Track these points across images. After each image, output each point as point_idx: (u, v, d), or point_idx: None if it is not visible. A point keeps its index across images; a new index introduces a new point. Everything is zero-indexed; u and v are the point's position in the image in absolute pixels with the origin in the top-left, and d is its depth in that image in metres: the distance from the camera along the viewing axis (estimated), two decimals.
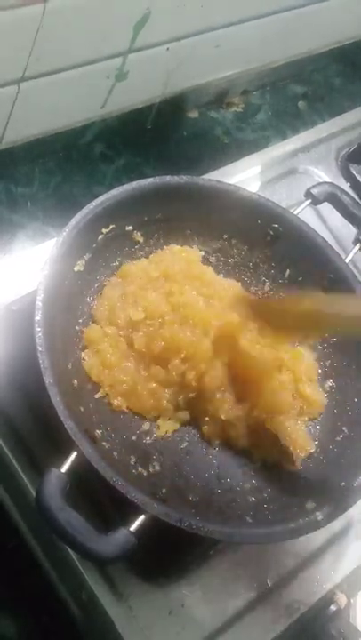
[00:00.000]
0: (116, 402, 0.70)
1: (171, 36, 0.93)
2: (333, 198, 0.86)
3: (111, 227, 0.74)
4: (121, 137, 1.02)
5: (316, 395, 0.75)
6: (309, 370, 0.76)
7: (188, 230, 0.80)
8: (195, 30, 0.95)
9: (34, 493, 0.57)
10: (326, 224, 0.94)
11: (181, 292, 0.73)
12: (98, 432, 0.67)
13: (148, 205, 0.76)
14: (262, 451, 0.72)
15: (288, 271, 0.81)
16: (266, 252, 0.81)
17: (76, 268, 0.72)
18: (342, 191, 0.87)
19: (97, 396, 0.70)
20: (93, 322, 0.73)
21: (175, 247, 0.79)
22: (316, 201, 0.85)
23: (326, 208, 0.88)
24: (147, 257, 0.78)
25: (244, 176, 0.95)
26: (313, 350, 0.78)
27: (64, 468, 0.57)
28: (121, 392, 0.70)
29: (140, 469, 0.67)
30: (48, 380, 0.60)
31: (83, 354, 0.71)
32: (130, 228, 0.76)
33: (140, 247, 0.78)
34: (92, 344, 0.71)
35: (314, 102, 1.22)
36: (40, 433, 0.69)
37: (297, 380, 0.74)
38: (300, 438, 0.72)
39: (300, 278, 0.80)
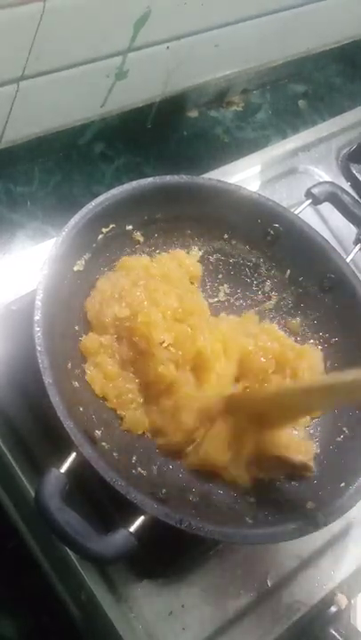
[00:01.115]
0: (122, 412, 0.69)
1: (171, 34, 0.93)
2: (334, 198, 0.86)
3: (111, 226, 0.74)
4: (121, 136, 1.02)
5: None
6: (312, 368, 0.75)
7: (189, 230, 0.80)
8: (195, 29, 0.95)
9: (33, 494, 0.57)
10: (327, 224, 0.94)
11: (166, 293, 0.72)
12: (97, 432, 0.66)
13: (148, 205, 0.76)
14: (270, 472, 0.70)
15: (289, 271, 0.81)
16: (266, 252, 0.81)
17: (75, 268, 0.71)
18: (343, 191, 0.87)
19: (101, 401, 0.69)
20: (87, 317, 0.72)
21: (180, 253, 0.79)
22: (316, 201, 0.85)
23: (327, 208, 0.88)
24: (149, 255, 0.78)
25: (245, 175, 0.95)
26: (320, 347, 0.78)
27: (63, 469, 0.57)
28: (128, 401, 0.69)
29: (139, 470, 0.67)
30: (47, 380, 0.60)
31: (85, 367, 0.70)
32: (130, 227, 0.76)
33: (141, 247, 0.78)
34: (91, 356, 0.70)
35: (314, 101, 1.22)
36: (39, 433, 0.68)
37: (298, 379, 0.73)
38: (302, 446, 0.71)
39: (301, 278, 0.80)
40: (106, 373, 0.69)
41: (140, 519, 0.57)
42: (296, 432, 0.73)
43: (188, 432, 0.68)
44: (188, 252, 0.80)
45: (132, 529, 0.57)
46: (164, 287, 0.73)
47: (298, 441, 0.72)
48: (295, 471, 0.70)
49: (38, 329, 0.62)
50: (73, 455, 0.58)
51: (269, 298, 0.81)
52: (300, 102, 1.21)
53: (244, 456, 0.68)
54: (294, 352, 0.75)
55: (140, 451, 0.69)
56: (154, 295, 0.72)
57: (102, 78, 0.92)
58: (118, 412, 0.69)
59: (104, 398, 0.69)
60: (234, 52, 1.06)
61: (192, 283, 0.79)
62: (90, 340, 0.71)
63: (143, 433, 0.70)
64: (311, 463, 0.71)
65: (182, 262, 0.78)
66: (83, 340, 0.71)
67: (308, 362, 0.75)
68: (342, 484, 0.66)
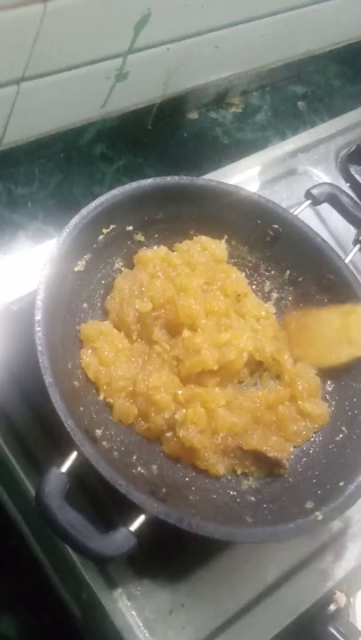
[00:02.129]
0: (112, 400, 0.69)
1: (171, 36, 0.93)
2: (333, 199, 0.87)
3: (112, 227, 0.74)
4: (121, 137, 1.02)
5: (318, 409, 0.74)
6: (310, 386, 0.75)
7: (190, 230, 0.80)
8: (195, 30, 0.95)
9: (34, 493, 0.57)
10: (326, 224, 0.94)
11: (189, 277, 0.73)
12: (98, 431, 0.66)
13: (149, 206, 0.76)
14: (244, 466, 0.71)
15: (288, 272, 0.81)
16: (266, 253, 0.81)
17: (76, 268, 0.72)
18: (342, 192, 0.87)
19: (99, 398, 0.69)
20: (106, 315, 0.73)
21: (204, 238, 0.79)
22: (315, 201, 0.85)
23: (326, 209, 0.88)
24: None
25: (244, 176, 0.95)
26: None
27: (64, 468, 0.57)
28: (118, 389, 0.69)
29: (140, 469, 0.67)
30: (48, 379, 0.60)
31: (81, 352, 0.70)
32: (130, 228, 0.76)
33: (142, 247, 0.78)
34: (89, 341, 0.71)
35: (314, 103, 1.22)
36: (40, 432, 0.69)
37: (297, 397, 0.73)
38: (277, 443, 0.71)
39: (300, 279, 0.80)
40: (101, 359, 0.70)
41: (141, 518, 0.57)
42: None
43: (166, 412, 0.68)
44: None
45: (133, 528, 0.57)
46: (189, 272, 0.74)
47: (274, 438, 0.71)
48: (270, 468, 0.71)
49: (39, 329, 0.62)
50: (74, 454, 0.58)
51: (269, 298, 0.82)
52: (300, 104, 1.21)
53: (219, 443, 0.69)
54: (288, 373, 0.75)
55: (141, 450, 0.69)
56: (178, 281, 0.73)
57: (103, 80, 0.92)
58: (107, 401, 0.69)
59: (96, 385, 0.69)
60: (234, 53, 1.06)
61: None
62: (90, 327, 0.71)
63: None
64: (285, 461, 0.70)
65: (207, 247, 0.78)
66: (83, 326, 0.71)
67: (304, 380, 0.75)
68: (342, 484, 0.66)
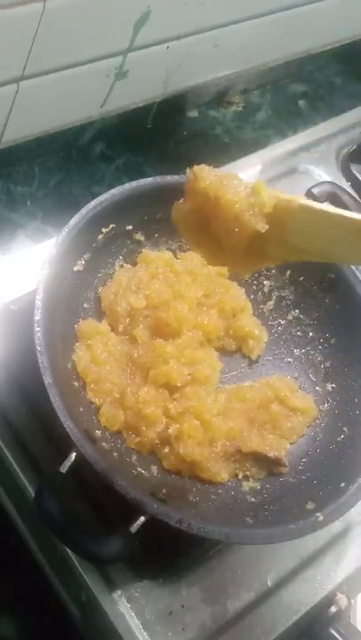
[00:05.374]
0: (97, 400, 0.68)
1: (171, 34, 0.93)
2: (334, 198, 0.87)
3: (111, 226, 0.74)
4: (121, 136, 1.02)
5: (307, 402, 0.74)
6: (288, 383, 0.75)
7: None
8: (195, 29, 0.95)
9: (33, 494, 0.57)
10: None
11: (188, 286, 0.74)
12: (97, 432, 0.66)
13: (149, 205, 0.76)
14: (246, 469, 0.71)
15: (288, 272, 0.81)
16: None
17: (75, 268, 0.71)
18: (343, 191, 0.87)
19: (88, 397, 0.69)
20: (101, 306, 0.74)
21: None
22: (316, 200, 0.85)
23: None
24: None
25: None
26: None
27: (64, 469, 0.57)
28: (105, 391, 0.69)
29: (139, 470, 0.67)
30: (47, 380, 0.60)
31: (75, 345, 0.70)
32: (130, 227, 0.76)
33: (141, 246, 0.78)
34: (84, 337, 0.71)
35: (314, 101, 1.22)
36: (39, 433, 0.68)
37: (280, 399, 0.73)
38: (274, 442, 0.71)
39: (301, 278, 0.80)
40: (94, 357, 0.69)
41: (140, 519, 0.57)
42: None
43: (157, 426, 0.68)
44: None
45: (133, 529, 0.57)
46: (189, 281, 0.74)
47: (271, 437, 0.71)
48: (270, 467, 0.70)
49: (38, 329, 0.62)
50: (73, 455, 0.58)
51: (270, 298, 0.81)
52: (300, 102, 1.21)
53: (219, 451, 0.69)
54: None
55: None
56: (177, 288, 0.73)
57: (102, 78, 0.92)
58: (93, 401, 0.68)
59: (84, 381, 0.69)
60: (234, 51, 1.06)
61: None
62: (88, 325, 0.71)
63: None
64: (285, 459, 0.70)
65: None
66: (81, 323, 0.71)
67: (282, 381, 0.75)
68: (342, 484, 0.66)
